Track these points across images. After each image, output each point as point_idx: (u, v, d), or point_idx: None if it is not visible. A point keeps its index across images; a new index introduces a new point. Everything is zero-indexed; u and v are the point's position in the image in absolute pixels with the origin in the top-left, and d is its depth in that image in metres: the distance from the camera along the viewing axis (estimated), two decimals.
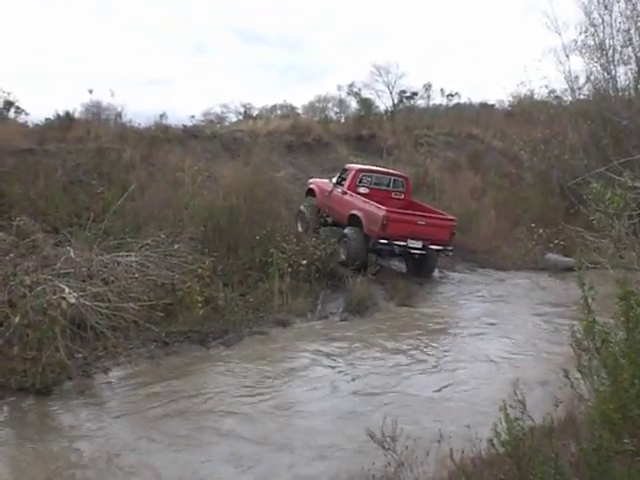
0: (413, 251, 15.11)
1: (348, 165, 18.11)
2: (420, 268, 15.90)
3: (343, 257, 15.21)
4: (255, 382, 9.30)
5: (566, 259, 16.97)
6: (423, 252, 15.20)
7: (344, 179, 16.89)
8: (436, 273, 16.40)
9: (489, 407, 7.09)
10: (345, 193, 16.45)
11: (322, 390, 9.11)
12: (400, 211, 15.37)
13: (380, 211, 14.80)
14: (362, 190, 16.48)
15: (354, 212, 15.63)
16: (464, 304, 14.47)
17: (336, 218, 16.75)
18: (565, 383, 4.46)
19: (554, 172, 22.12)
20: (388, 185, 17.16)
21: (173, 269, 11.03)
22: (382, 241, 14.74)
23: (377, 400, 8.77)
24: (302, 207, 17.67)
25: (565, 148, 21.79)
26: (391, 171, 18.24)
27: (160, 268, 10.87)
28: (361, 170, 17.15)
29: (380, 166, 19.33)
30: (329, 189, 17.16)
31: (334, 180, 17.26)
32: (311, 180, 19.06)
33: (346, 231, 15.51)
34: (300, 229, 16.84)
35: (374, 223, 14.88)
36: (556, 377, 5.10)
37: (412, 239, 14.81)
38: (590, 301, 3.82)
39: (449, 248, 15.54)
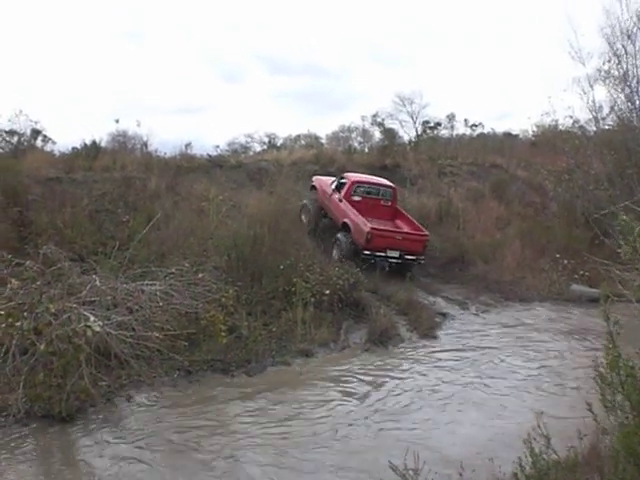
0: (391, 260, 17.26)
1: (346, 174, 20.05)
2: (398, 271, 17.37)
3: (335, 257, 17.16)
4: (275, 413, 9.31)
5: (591, 290, 16.79)
6: (399, 261, 17.36)
7: (342, 186, 18.96)
8: (458, 305, 16.31)
9: (514, 439, 7.04)
10: (341, 200, 18.51)
11: (342, 423, 9.08)
12: (382, 228, 17.62)
13: (366, 227, 17.00)
14: (356, 198, 18.66)
15: (346, 221, 17.84)
16: (488, 335, 14.34)
17: (332, 219, 18.92)
18: (589, 415, 4.44)
19: (579, 202, 21.98)
20: (378, 194, 19.32)
21: (197, 298, 11.07)
22: (366, 252, 16.90)
23: (397, 433, 8.75)
24: (306, 201, 19.79)
25: (589, 178, 21.67)
26: (381, 182, 20.16)
27: (184, 297, 10.92)
28: (356, 181, 19.22)
29: (378, 176, 21.35)
30: (329, 191, 19.21)
31: (333, 185, 19.27)
32: (314, 177, 21.14)
33: (338, 235, 17.78)
34: (304, 220, 19.26)
35: (360, 236, 17.08)
36: (581, 409, 5.06)
37: (391, 250, 17.14)
38: (615, 335, 3.81)
39: (421, 258, 17.69)
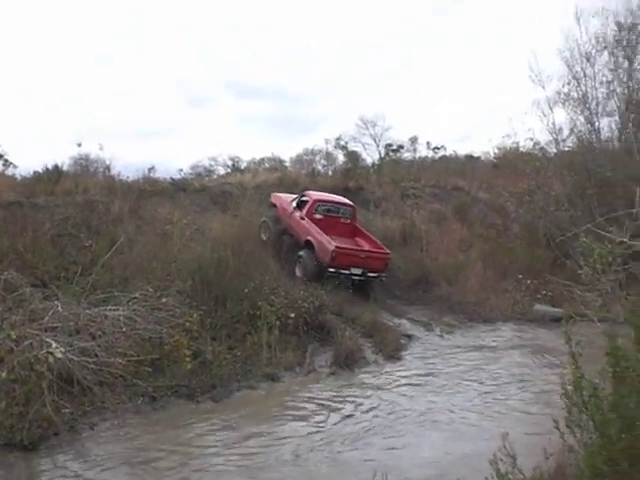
0: (354, 277, 17.53)
1: (307, 192, 20.45)
2: (361, 288, 17.71)
3: (299, 275, 17.51)
4: (241, 438, 9.25)
5: (554, 310, 16.98)
6: (362, 278, 17.65)
7: (304, 204, 19.32)
8: (423, 326, 16.38)
9: (479, 461, 7.06)
10: (303, 218, 18.79)
11: (304, 448, 9.04)
12: (346, 247, 17.97)
13: (331, 246, 17.27)
14: (317, 216, 19.01)
15: (309, 239, 18.07)
16: (452, 356, 14.41)
17: (294, 236, 19.08)
18: (555, 433, 4.47)
19: (540, 223, 22.27)
20: (338, 212, 19.68)
21: (161, 323, 10.98)
22: (330, 270, 17.11)
23: (359, 457, 8.73)
24: (265, 218, 20.00)
25: (550, 199, 21.96)
26: (341, 200, 20.51)
27: (148, 322, 10.83)
28: (317, 200, 19.52)
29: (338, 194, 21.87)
30: (290, 209, 19.50)
31: (294, 204, 19.54)
32: (273, 195, 21.47)
33: (301, 253, 18.04)
34: (264, 237, 19.41)
35: (325, 254, 17.36)
36: (547, 428, 5.10)
37: (354, 267, 17.41)
38: (577, 356, 3.86)
39: (383, 275, 18.02)
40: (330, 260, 17.15)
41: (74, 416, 9.27)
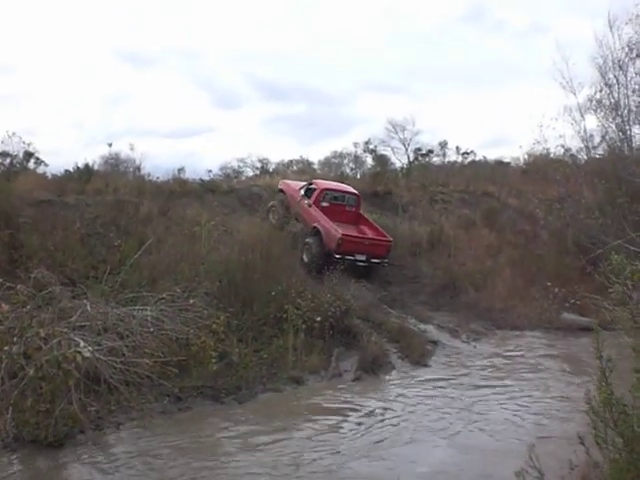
0: (359, 263, 18.39)
1: (314, 181, 21.61)
2: (364, 273, 18.56)
3: (306, 260, 18.33)
4: (264, 441, 9.27)
5: (582, 319, 16.81)
6: (366, 264, 18.58)
7: (311, 192, 20.17)
8: (449, 333, 16.30)
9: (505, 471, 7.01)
10: (310, 206, 19.65)
11: (331, 451, 9.04)
12: (352, 234, 18.88)
13: (337, 233, 18.17)
14: (324, 204, 19.88)
15: (317, 226, 18.89)
16: (478, 364, 14.32)
17: (302, 223, 19.90)
18: (579, 447, 4.43)
19: (569, 231, 22.03)
20: (343, 200, 20.61)
21: (188, 324, 11.02)
22: (336, 256, 17.82)
23: (384, 464, 8.70)
24: (274, 202, 21.01)
25: (580, 207, 21.72)
26: (347, 189, 21.65)
27: (175, 323, 10.88)
28: (325, 189, 20.54)
29: (344, 183, 23.84)
30: (298, 196, 20.34)
31: (302, 191, 20.40)
32: (281, 181, 22.66)
33: (308, 240, 18.80)
34: (272, 220, 20.32)
35: (332, 241, 18.20)
36: (572, 440, 5.04)
37: (359, 254, 18.37)
38: (607, 372, 3.82)
39: (385, 261, 19.04)
40: (336, 247, 18.00)
41: (100, 415, 9.36)
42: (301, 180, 22.66)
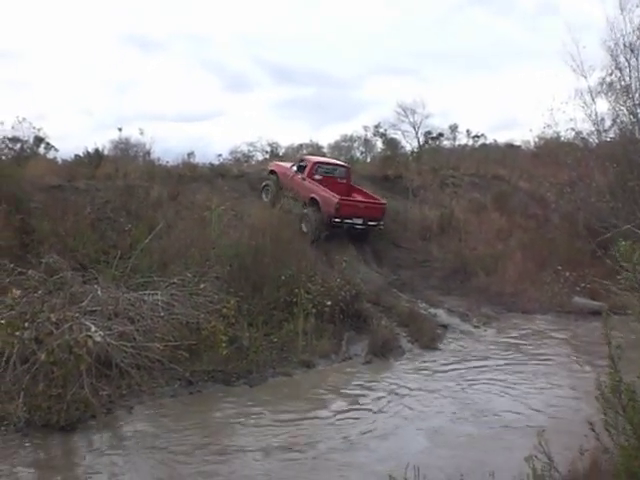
0: (356, 226, 19.40)
1: (305, 157, 23.39)
2: (360, 236, 19.79)
3: (305, 230, 18.87)
4: (274, 423, 9.35)
5: (593, 303, 16.75)
6: (363, 227, 19.56)
7: (303, 167, 21.01)
8: (459, 317, 16.30)
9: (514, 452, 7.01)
10: (305, 179, 20.57)
11: (345, 435, 9.07)
12: (348, 198, 19.94)
13: (335, 198, 19.07)
14: (317, 177, 20.72)
15: (314, 196, 19.75)
16: (489, 348, 14.31)
17: (297, 197, 20.06)
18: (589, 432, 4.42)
19: (580, 214, 21.93)
20: (334, 173, 21.49)
21: (198, 308, 11.09)
22: (335, 220, 18.88)
23: (395, 445, 8.73)
24: (268, 182, 21.55)
25: (592, 190, 21.58)
26: (337, 162, 23.55)
27: (185, 307, 10.95)
28: (316, 162, 21.65)
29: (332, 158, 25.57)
30: (290, 174, 21.17)
31: (294, 168, 21.29)
32: (272, 163, 23.80)
33: (306, 211, 19.46)
34: (265, 199, 20.90)
35: (330, 207, 19.07)
36: (581, 425, 5.03)
37: (356, 217, 19.29)
38: (616, 359, 3.81)
39: (381, 223, 19.92)
40: (335, 211, 18.92)
41: (111, 399, 9.44)
42: (290, 161, 23.38)
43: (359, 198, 20.67)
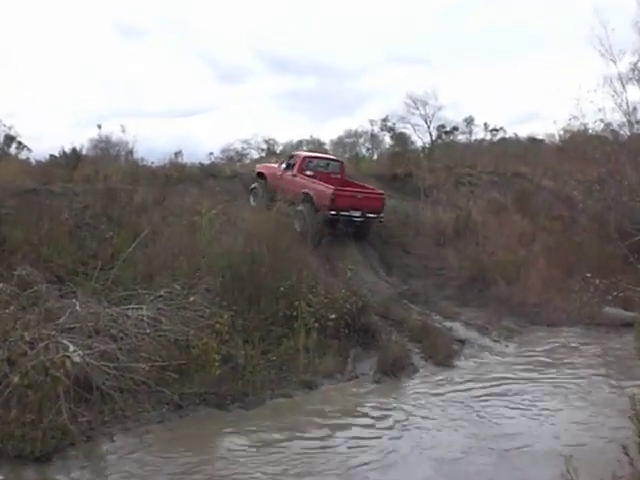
0: (355, 219, 19.70)
1: (295, 153, 24.16)
2: (360, 232, 20.23)
3: (298, 229, 19.07)
4: (271, 450, 9.31)
5: (626, 313, 16.67)
6: (362, 219, 19.79)
7: (293, 164, 21.46)
8: (477, 330, 16.23)
9: None
10: (295, 176, 20.97)
11: (347, 466, 9.02)
12: (344, 189, 20.08)
13: (329, 189, 19.35)
14: (308, 173, 21.11)
15: (306, 191, 20.02)
16: (510, 366, 14.25)
17: (288, 196, 20.20)
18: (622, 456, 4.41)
19: (611, 215, 21.87)
20: (327, 167, 22.04)
21: (188, 324, 11.08)
22: (332, 213, 19.08)
23: (399, 477, 8.73)
24: (255, 185, 22.06)
25: (623, 188, 21.55)
26: (329, 156, 24.84)
27: (174, 323, 10.94)
28: (307, 157, 22.24)
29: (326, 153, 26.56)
30: (279, 172, 21.61)
31: (283, 166, 21.79)
32: (258, 165, 24.23)
33: (300, 207, 19.69)
34: (253, 203, 21.31)
35: (324, 199, 19.30)
36: (614, 449, 5.02)
37: (353, 210, 19.47)
38: None
39: (381, 216, 20.17)
40: (330, 203, 19.12)
41: (92, 425, 9.37)
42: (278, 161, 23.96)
43: (356, 189, 20.83)
